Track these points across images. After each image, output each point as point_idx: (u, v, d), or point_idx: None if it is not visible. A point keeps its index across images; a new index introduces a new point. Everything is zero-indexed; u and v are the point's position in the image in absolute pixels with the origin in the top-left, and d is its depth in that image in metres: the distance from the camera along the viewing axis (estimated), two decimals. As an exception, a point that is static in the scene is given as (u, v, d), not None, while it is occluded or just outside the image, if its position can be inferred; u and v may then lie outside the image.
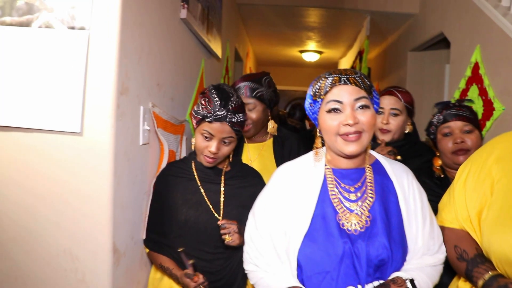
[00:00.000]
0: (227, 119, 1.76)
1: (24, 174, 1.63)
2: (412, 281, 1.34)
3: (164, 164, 2.05)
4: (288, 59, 9.23)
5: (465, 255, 1.45)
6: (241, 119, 1.81)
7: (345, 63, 7.86)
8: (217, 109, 1.75)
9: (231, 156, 1.96)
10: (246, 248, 1.56)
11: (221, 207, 1.85)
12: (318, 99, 1.43)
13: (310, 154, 1.56)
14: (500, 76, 2.82)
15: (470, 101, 2.08)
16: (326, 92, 1.41)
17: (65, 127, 1.58)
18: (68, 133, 1.59)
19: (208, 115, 1.75)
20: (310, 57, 8.44)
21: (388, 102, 2.22)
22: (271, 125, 2.36)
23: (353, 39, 6.76)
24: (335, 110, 1.39)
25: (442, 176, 2.04)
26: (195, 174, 1.89)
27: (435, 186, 1.97)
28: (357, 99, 1.38)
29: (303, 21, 6.13)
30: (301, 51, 8.26)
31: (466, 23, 3.47)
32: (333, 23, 6.16)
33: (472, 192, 1.49)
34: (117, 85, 1.59)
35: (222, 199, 1.86)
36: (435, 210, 1.70)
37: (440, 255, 1.47)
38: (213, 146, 1.79)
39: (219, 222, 1.73)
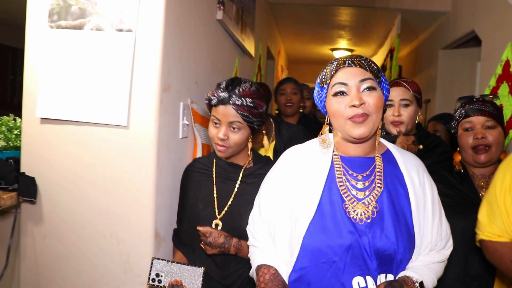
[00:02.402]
0: (231, 101, 1.70)
1: (76, 164, 1.80)
2: (421, 283, 1.32)
3: (198, 156, 2.18)
4: (319, 57, 9.28)
5: None
6: (248, 104, 1.73)
7: (376, 61, 7.85)
8: (220, 91, 1.72)
9: (249, 148, 1.87)
10: (248, 227, 1.56)
11: (227, 205, 1.79)
12: (324, 85, 1.40)
13: (317, 139, 1.48)
14: (529, 74, 2.84)
15: (496, 96, 2.00)
16: (332, 76, 1.38)
17: (113, 121, 1.73)
18: (116, 126, 1.75)
19: (212, 98, 1.74)
20: (341, 55, 8.46)
21: (397, 94, 2.13)
22: (264, 141, 2.34)
23: (384, 37, 6.77)
24: (341, 93, 1.35)
25: (462, 171, 1.97)
26: (214, 170, 1.86)
27: (455, 181, 1.93)
28: (363, 80, 1.34)
29: (334, 20, 6.18)
30: (332, 49, 8.32)
31: (497, 20, 3.48)
32: (364, 21, 6.20)
33: None
34: (160, 82, 1.73)
35: (232, 197, 1.80)
36: (453, 205, 1.73)
37: (446, 251, 1.45)
38: (221, 131, 1.73)
39: (198, 227, 1.71)
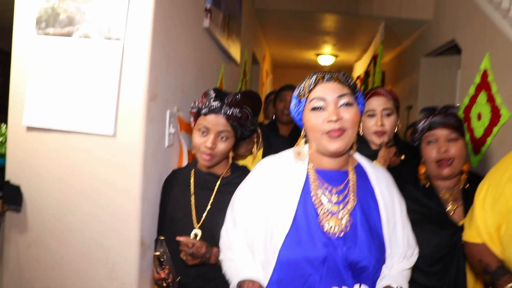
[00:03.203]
0: (222, 111, 1.75)
1: (63, 172, 1.80)
2: None
3: (184, 164, 2.19)
4: (304, 61, 9.35)
5: (488, 268, 1.55)
6: (237, 114, 1.79)
7: (360, 67, 7.96)
8: (211, 100, 1.76)
9: (230, 156, 1.91)
10: (221, 240, 1.57)
11: (204, 214, 1.80)
12: (302, 99, 1.42)
13: (292, 150, 1.51)
14: (507, 83, 2.93)
15: (456, 108, 2.01)
16: (310, 91, 1.39)
17: (100, 130, 1.74)
18: (103, 136, 1.75)
19: (203, 107, 1.76)
20: (326, 60, 8.55)
21: (378, 103, 2.10)
22: (254, 150, 2.36)
23: (368, 44, 6.85)
24: (319, 108, 1.37)
25: (428, 185, 1.98)
26: (192, 180, 1.88)
27: (422, 196, 1.94)
28: (340, 96, 1.37)
29: (319, 26, 6.25)
30: (317, 54, 8.38)
31: (477, 31, 3.57)
32: (348, 28, 6.27)
33: (491, 210, 1.58)
34: (147, 92, 1.75)
35: (208, 206, 1.81)
36: (422, 222, 1.78)
37: (413, 258, 1.52)
38: (209, 140, 1.76)
39: (177, 238, 1.71)
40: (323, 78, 1.39)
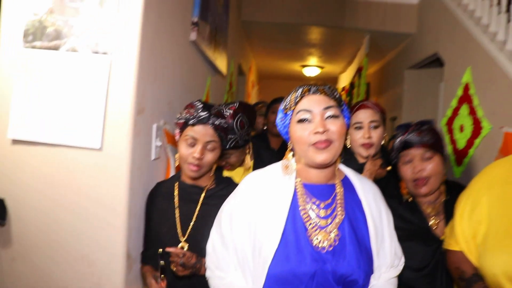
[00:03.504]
0: (210, 121, 1.78)
1: (49, 186, 1.79)
2: None
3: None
4: (290, 73, 9.43)
5: (464, 275, 1.59)
6: (222, 124, 1.82)
7: (345, 78, 8.04)
8: (199, 111, 1.78)
9: (213, 169, 1.92)
10: (208, 257, 1.54)
11: (190, 227, 1.81)
12: (288, 111, 1.43)
13: (279, 164, 1.51)
14: (488, 96, 3.00)
15: (429, 122, 1.98)
16: (297, 103, 1.41)
17: (87, 144, 1.74)
18: (90, 149, 1.75)
19: (191, 118, 1.77)
20: (311, 72, 8.64)
21: (365, 116, 2.14)
22: (247, 161, 2.36)
23: (353, 56, 6.94)
24: (305, 120, 1.38)
25: (410, 199, 1.98)
26: (176, 193, 1.88)
27: (405, 211, 1.94)
28: (327, 108, 1.38)
29: (304, 38, 6.32)
30: (302, 66, 8.47)
31: (458, 45, 3.66)
32: (334, 40, 6.35)
33: (468, 219, 1.62)
34: (135, 106, 1.76)
35: (193, 219, 1.82)
36: (405, 237, 1.77)
37: (400, 267, 1.53)
38: (197, 150, 1.77)
39: (167, 249, 1.71)
40: (309, 90, 1.41)
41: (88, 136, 1.74)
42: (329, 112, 1.39)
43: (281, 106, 1.48)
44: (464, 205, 1.66)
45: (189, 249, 1.77)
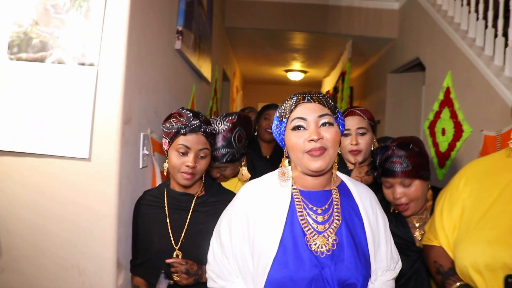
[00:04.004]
0: (202, 129, 1.79)
1: (37, 196, 1.79)
2: None
3: (157, 185, 2.22)
4: (274, 77, 9.48)
5: (441, 269, 1.62)
6: (213, 131, 1.85)
7: (329, 82, 8.13)
8: (191, 119, 1.78)
9: (203, 177, 1.93)
10: (209, 267, 1.56)
11: (182, 235, 1.81)
12: (283, 119, 1.45)
13: (276, 172, 1.54)
14: (467, 100, 3.07)
15: (408, 145, 1.95)
16: (291, 111, 1.43)
17: (75, 153, 1.75)
18: (78, 159, 1.76)
19: (183, 127, 1.77)
20: (295, 76, 8.70)
21: (353, 123, 2.17)
22: (245, 174, 2.35)
23: (336, 60, 7.02)
24: (300, 127, 1.41)
25: (397, 211, 2.00)
26: (166, 201, 1.88)
27: (390, 223, 1.85)
28: (321, 116, 1.41)
29: (288, 44, 6.38)
30: (286, 71, 8.53)
31: (438, 50, 3.74)
32: (317, 45, 6.42)
33: (447, 215, 1.65)
34: (122, 115, 1.78)
35: (185, 227, 1.83)
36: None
37: (397, 270, 1.56)
38: (190, 159, 1.78)
39: (167, 261, 1.71)
40: (303, 98, 1.43)
41: (76, 146, 1.75)
42: (323, 120, 1.41)
43: (277, 113, 1.51)
44: (443, 200, 1.69)
45: (183, 257, 1.78)
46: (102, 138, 1.77)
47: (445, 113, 3.39)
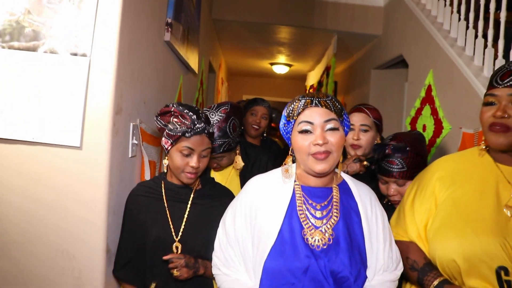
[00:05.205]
0: (205, 131, 1.82)
1: (29, 183, 1.82)
2: None
3: (146, 174, 2.26)
4: (259, 70, 9.50)
5: (415, 265, 1.62)
6: (213, 129, 1.89)
7: (313, 76, 8.19)
8: (195, 123, 1.80)
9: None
10: (215, 254, 1.64)
11: (182, 227, 1.85)
12: (291, 120, 1.51)
13: (280, 169, 1.62)
14: (448, 98, 3.17)
15: (405, 148, 2.04)
16: (299, 114, 1.49)
17: (67, 142, 1.78)
18: (69, 147, 1.80)
19: (188, 130, 1.79)
20: (280, 69, 8.75)
21: (357, 119, 2.30)
22: (238, 161, 2.44)
23: (321, 55, 7.08)
24: (306, 131, 1.47)
25: (390, 203, 2.11)
26: (164, 193, 1.90)
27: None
28: (327, 121, 1.46)
29: (274, 37, 6.41)
30: (272, 64, 8.56)
31: (421, 49, 3.83)
32: (302, 40, 6.46)
33: (419, 207, 1.68)
34: (113, 106, 1.81)
35: (185, 219, 1.85)
36: None
37: (398, 272, 1.58)
38: (194, 161, 1.81)
39: (164, 257, 1.74)
40: (311, 102, 1.49)
41: (68, 134, 1.78)
42: (329, 125, 1.47)
43: (284, 113, 1.57)
44: (414, 195, 1.73)
45: (182, 249, 1.82)
46: (93, 127, 1.80)
47: (426, 110, 3.49)
